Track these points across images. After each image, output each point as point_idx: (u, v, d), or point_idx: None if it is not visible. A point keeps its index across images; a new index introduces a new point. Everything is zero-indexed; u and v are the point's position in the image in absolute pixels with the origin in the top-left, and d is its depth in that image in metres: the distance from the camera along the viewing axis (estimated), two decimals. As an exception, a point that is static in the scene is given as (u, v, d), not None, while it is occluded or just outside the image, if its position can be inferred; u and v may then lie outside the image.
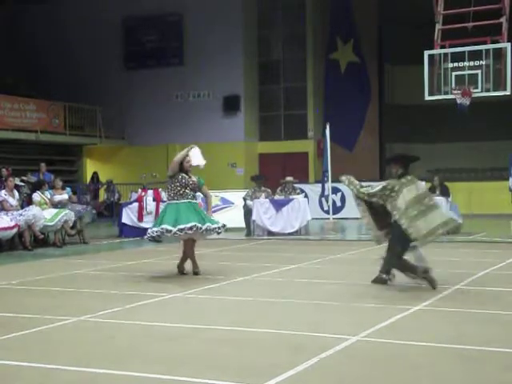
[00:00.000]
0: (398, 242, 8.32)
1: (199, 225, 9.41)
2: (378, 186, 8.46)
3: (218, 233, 9.88)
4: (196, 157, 9.85)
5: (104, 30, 26.62)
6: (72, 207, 15.25)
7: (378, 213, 8.57)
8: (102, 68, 26.59)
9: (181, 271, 9.95)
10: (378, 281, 8.59)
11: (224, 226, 9.85)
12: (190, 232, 9.42)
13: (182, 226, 9.35)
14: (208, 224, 9.54)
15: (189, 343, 5.80)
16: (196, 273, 9.81)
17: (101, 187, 25.26)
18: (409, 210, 8.15)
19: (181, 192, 9.60)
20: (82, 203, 19.00)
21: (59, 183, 15.88)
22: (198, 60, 25.58)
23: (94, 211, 15.70)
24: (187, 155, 9.74)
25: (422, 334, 5.93)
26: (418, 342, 5.64)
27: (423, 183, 8.63)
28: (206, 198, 10.28)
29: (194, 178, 9.78)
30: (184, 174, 9.69)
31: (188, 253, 9.92)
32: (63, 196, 15.46)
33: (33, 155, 23.68)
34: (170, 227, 9.36)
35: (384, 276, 8.57)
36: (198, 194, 10.40)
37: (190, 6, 25.63)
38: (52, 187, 15.85)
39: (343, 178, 8.83)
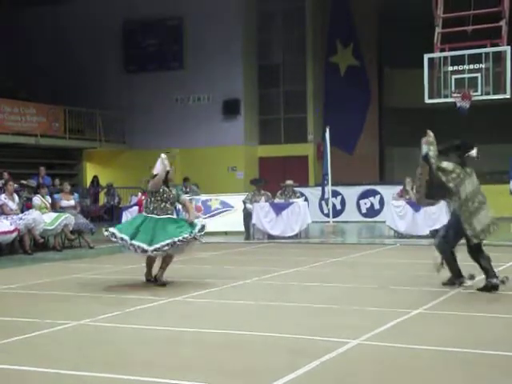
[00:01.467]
0: (452, 230, 8.30)
1: (175, 239, 8.98)
2: (447, 163, 8.11)
3: (200, 240, 9.37)
4: (159, 165, 9.37)
5: (104, 33, 26.63)
6: (75, 217, 14.94)
7: (432, 182, 8.34)
8: (102, 71, 26.59)
9: (148, 279, 9.55)
10: (487, 288, 8.15)
11: (203, 226, 9.35)
12: (166, 248, 9.02)
13: (157, 245, 8.98)
14: (183, 235, 9.02)
15: (188, 347, 5.79)
16: (156, 279, 9.34)
17: (101, 191, 25.23)
18: (469, 203, 8.02)
19: (161, 206, 9.34)
20: (83, 209, 18.87)
21: (68, 187, 15.74)
22: (198, 63, 25.58)
23: (94, 229, 15.43)
24: (168, 167, 9.39)
25: (423, 338, 5.92)
26: (419, 346, 5.63)
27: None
28: (185, 205, 9.81)
29: (174, 191, 9.61)
30: (166, 188, 9.44)
31: (150, 260, 9.48)
32: (70, 202, 15.35)
33: (32, 159, 23.62)
34: (146, 247, 9.02)
35: (494, 280, 8.16)
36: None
37: (189, 9, 25.63)
38: (60, 191, 15.73)
39: (431, 134, 8.32)
